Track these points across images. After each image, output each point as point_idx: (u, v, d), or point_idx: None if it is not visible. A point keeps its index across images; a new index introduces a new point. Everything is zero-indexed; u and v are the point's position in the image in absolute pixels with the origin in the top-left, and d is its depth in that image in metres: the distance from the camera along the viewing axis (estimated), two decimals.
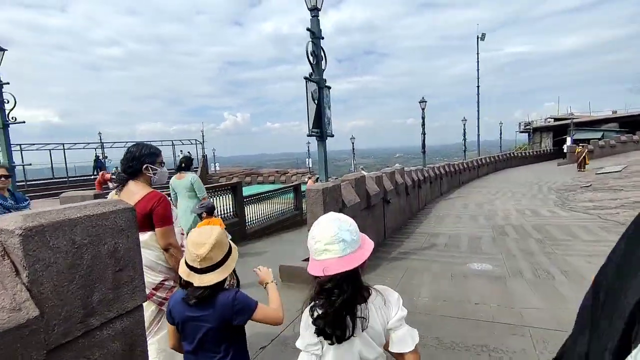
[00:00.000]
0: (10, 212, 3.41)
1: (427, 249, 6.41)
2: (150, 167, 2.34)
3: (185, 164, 5.27)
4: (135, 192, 2.24)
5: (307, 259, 4.59)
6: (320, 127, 4.46)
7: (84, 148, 27.32)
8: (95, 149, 27.06)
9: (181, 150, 28.19)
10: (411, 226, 8.83)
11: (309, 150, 33.85)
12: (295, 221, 10.44)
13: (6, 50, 5.63)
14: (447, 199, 14.24)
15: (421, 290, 4.30)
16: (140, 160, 2.30)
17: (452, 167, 18.28)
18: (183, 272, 1.53)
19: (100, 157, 26.24)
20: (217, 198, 7.79)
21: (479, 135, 26.83)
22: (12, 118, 5.76)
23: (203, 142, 32.27)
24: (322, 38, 4.49)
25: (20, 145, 22.99)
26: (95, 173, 25.78)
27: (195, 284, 1.49)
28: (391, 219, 7.62)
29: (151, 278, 2.20)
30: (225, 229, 3.09)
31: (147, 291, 2.10)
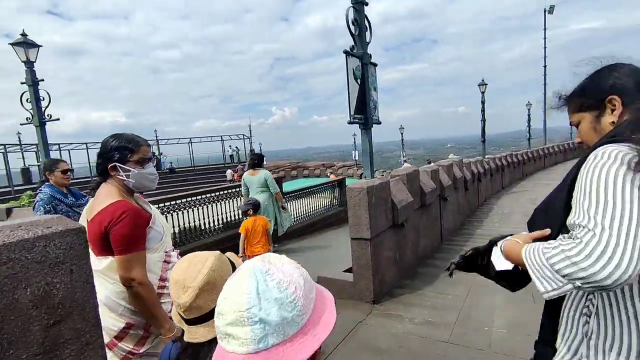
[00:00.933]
0: (73, 209, 3.28)
1: None
2: (120, 167, 1.69)
3: (258, 161, 5.80)
4: (99, 202, 1.65)
5: (350, 269, 3.79)
6: (364, 112, 3.68)
7: None
8: (152, 145, 28.35)
9: (230, 146, 28.71)
10: (470, 226, 7.72)
11: (355, 142, 32.68)
12: (339, 217, 9.76)
13: (41, 46, 5.46)
14: (510, 192, 12.67)
15: (494, 318, 3.38)
16: (107, 156, 1.70)
17: (514, 157, 16.41)
18: (175, 316, 1.05)
19: (156, 154, 27.44)
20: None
21: (545, 121, 23.99)
22: (48, 115, 5.61)
23: (250, 136, 32.66)
24: (366, 4, 3.68)
25: (86, 143, 24.72)
26: None
27: (185, 338, 1.00)
28: (448, 219, 6.63)
29: (111, 322, 1.61)
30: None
31: (107, 339, 1.52)
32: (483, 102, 17.15)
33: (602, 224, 0.77)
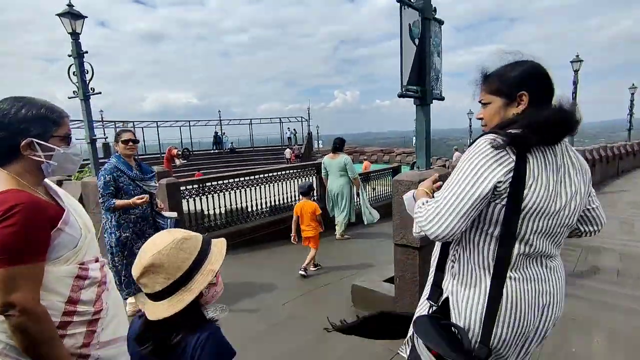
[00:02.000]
0: (136, 183, 3.12)
1: (586, 277, 4.15)
2: (38, 144, 1.16)
3: (339, 145, 5.71)
4: None
5: (390, 279, 2.96)
6: (421, 82, 2.82)
7: (205, 125, 30.16)
8: (215, 125, 29.37)
9: (288, 128, 28.70)
10: None
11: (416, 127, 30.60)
12: (390, 210, 8.87)
13: (86, 17, 5.30)
14: (602, 193, 10.63)
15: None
16: (14, 129, 1.13)
17: (608, 150, 13.86)
18: None
19: (219, 133, 28.39)
20: (304, 179, 6.77)
21: None
22: (91, 89, 5.46)
23: (309, 119, 32.41)
24: None
25: (157, 122, 26.36)
26: (214, 148, 28.31)
27: (147, 315, 0.98)
28: None
29: None
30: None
31: None
32: (575, 83, 14.34)
33: (439, 197, 1.10)
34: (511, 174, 1.02)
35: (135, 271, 0.96)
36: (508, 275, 1.08)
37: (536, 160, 1.05)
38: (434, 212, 1.08)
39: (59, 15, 5.22)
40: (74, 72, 5.40)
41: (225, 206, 5.91)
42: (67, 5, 5.14)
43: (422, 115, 2.96)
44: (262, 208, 6.39)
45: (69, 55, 5.44)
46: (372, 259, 4.86)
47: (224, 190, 5.87)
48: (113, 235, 3.11)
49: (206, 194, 5.65)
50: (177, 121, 28.25)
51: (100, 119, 24.90)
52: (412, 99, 2.92)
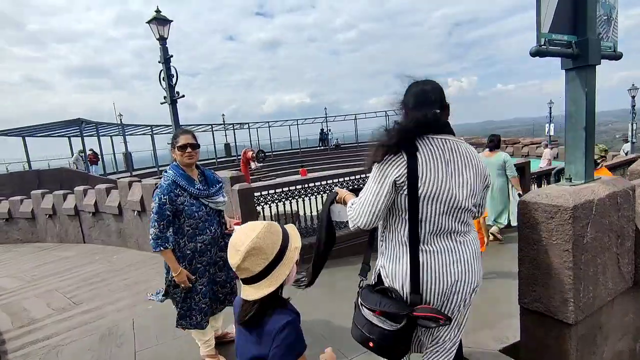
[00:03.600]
0: (200, 201, 2.39)
1: None
2: None
3: (497, 142, 5.35)
4: None
5: (513, 349, 1.91)
6: (579, 27, 1.56)
7: (312, 123, 30.84)
8: (321, 122, 29.78)
9: (395, 121, 27.12)
10: None
11: (550, 112, 24.84)
12: None
13: (171, 21, 5.26)
14: None
15: None
16: None
17: None
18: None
19: (325, 130, 28.68)
20: None
21: None
22: (177, 93, 5.38)
23: None
24: None
25: (211, 125, 27.97)
26: (320, 145, 28.75)
27: (241, 296, 1.14)
28: None
29: None
30: None
31: None
32: None
33: (361, 196, 1.45)
34: (405, 170, 1.32)
35: (236, 258, 1.07)
36: (420, 248, 1.37)
37: (425, 158, 1.33)
38: (359, 208, 1.44)
39: (148, 22, 5.23)
40: (163, 78, 5.39)
41: (310, 211, 5.28)
42: (155, 11, 5.12)
43: (578, 87, 1.66)
44: None
45: (159, 62, 5.43)
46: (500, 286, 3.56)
47: (308, 195, 5.23)
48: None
49: (286, 198, 5.08)
50: (286, 120, 29.51)
51: (222, 122, 27.57)
52: (558, 59, 1.66)
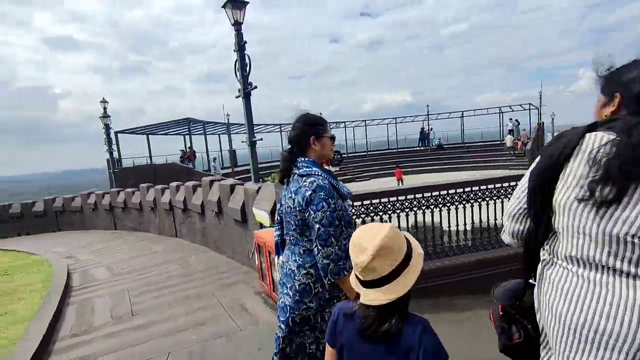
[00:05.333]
0: (345, 205, 1.78)
1: None
2: None
3: None
4: None
5: None
6: None
7: (412, 121, 28.89)
8: (422, 121, 27.70)
9: (510, 119, 23.58)
10: None
11: None
12: None
13: (247, 2, 4.75)
14: None
15: None
16: None
17: None
18: (352, 279, 1.12)
19: (425, 129, 26.51)
20: None
21: None
22: (249, 84, 4.82)
23: (540, 106, 25.74)
24: None
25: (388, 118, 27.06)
26: (419, 145, 26.68)
27: (361, 300, 1.06)
28: None
29: None
30: None
31: None
32: None
33: None
34: None
35: (364, 257, 1.00)
36: None
37: None
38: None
39: (223, 6, 4.79)
40: (237, 69, 4.88)
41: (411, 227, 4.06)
42: None
43: None
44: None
45: (234, 50, 4.94)
46: None
47: (405, 209, 3.82)
48: (334, 300, 1.72)
49: (378, 213, 3.84)
50: (384, 119, 28.21)
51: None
52: None
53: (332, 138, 1.84)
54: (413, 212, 3.75)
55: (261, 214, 4.25)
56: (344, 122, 27.60)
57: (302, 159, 1.74)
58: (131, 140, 19.00)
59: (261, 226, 4.32)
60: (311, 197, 1.62)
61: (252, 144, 5.05)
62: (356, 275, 1.07)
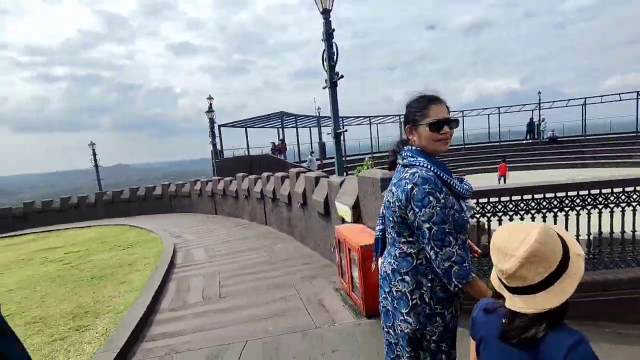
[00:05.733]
0: (461, 205, 1.50)
1: None
2: None
3: None
4: None
5: None
6: None
7: (519, 111, 25.68)
8: (532, 110, 24.51)
9: None
10: None
11: None
12: None
13: None
14: None
15: None
16: None
17: None
18: (494, 278, 1.02)
19: (535, 120, 23.33)
20: None
21: None
22: (336, 74, 4.73)
23: None
24: None
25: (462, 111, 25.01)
26: (527, 138, 23.56)
27: (506, 305, 0.95)
28: None
29: None
30: None
31: None
32: None
33: None
34: None
35: (509, 264, 0.90)
36: None
37: None
38: None
39: None
40: (325, 59, 4.78)
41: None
42: None
43: None
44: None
45: (322, 40, 4.84)
46: None
47: (552, 209, 3.20)
48: (436, 318, 1.45)
49: (496, 214, 3.20)
50: (484, 108, 25.68)
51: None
52: None
53: (437, 124, 1.43)
54: (541, 214, 3.18)
55: (343, 208, 4.09)
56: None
57: (409, 147, 1.51)
58: (232, 133, 20.79)
59: (343, 221, 4.18)
60: (413, 192, 1.37)
61: (337, 136, 4.91)
62: (499, 277, 0.97)
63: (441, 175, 1.42)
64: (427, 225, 1.35)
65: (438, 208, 1.35)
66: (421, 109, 1.48)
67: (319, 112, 23.05)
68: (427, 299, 1.42)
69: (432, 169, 1.42)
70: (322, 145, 21.48)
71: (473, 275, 1.35)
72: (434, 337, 1.46)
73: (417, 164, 1.44)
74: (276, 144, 18.62)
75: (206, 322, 3.37)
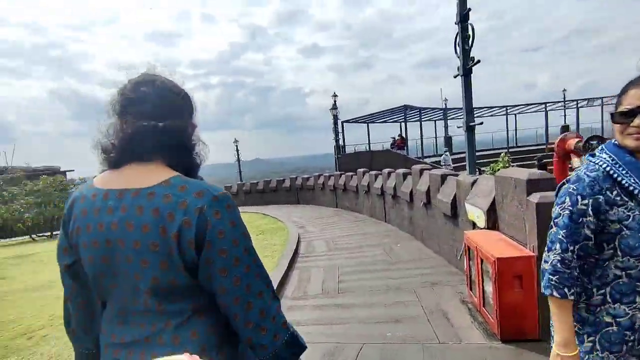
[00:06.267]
0: None
1: None
2: None
3: None
4: None
5: None
6: None
7: None
8: None
9: None
10: None
11: None
12: None
13: None
14: None
15: None
16: None
17: None
18: None
19: None
20: None
21: None
22: (470, 59, 4.37)
23: None
24: None
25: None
26: None
27: None
28: None
29: None
30: None
31: None
32: None
33: None
34: None
35: None
36: None
37: None
38: None
39: None
40: (458, 43, 4.35)
41: None
42: None
43: None
44: None
45: (455, 23, 4.42)
46: None
47: None
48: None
49: None
50: None
51: (562, 99, 22.31)
52: None
53: (623, 114, 1.11)
54: None
55: (475, 212, 3.61)
56: (600, 97, 21.16)
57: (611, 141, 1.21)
58: (354, 128, 21.11)
59: (474, 226, 3.69)
60: (560, 188, 1.24)
61: (470, 129, 4.37)
62: None
63: (619, 177, 1.11)
64: (551, 223, 1.24)
65: (567, 211, 1.17)
66: (624, 93, 1.14)
67: (445, 104, 21.49)
68: None
69: (604, 167, 1.14)
70: (448, 140, 19.97)
71: (555, 294, 1.15)
72: None
73: (591, 160, 1.21)
74: (396, 138, 18.12)
75: (324, 316, 3.42)
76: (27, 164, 21.84)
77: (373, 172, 9.28)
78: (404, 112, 16.59)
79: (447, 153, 15.68)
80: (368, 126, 19.11)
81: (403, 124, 18.97)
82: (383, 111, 17.70)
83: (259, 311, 0.82)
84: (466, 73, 4.31)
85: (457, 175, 4.88)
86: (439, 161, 15.95)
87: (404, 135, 18.72)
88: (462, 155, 18.15)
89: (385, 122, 20.15)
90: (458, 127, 5.95)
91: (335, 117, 17.72)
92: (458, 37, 4.28)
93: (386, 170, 8.32)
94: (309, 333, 3.07)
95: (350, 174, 11.32)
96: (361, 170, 10.43)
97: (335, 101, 17.79)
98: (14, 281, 6.04)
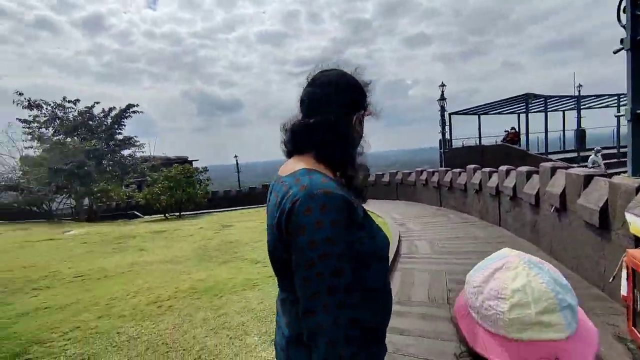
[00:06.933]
0: None
1: None
2: None
3: None
4: None
5: None
6: None
7: None
8: None
9: None
10: None
11: None
12: None
13: None
14: None
15: None
16: None
17: None
18: None
19: None
20: None
21: None
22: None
23: None
24: None
25: None
26: None
27: None
28: None
29: None
30: None
31: None
32: None
33: None
34: None
35: None
36: None
37: None
38: None
39: None
40: (624, 9, 3.51)
41: None
42: None
43: None
44: None
45: None
46: None
47: None
48: None
49: None
50: None
51: None
52: None
53: None
54: None
55: None
56: None
57: None
58: (463, 121, 19.40)
59: (637, 242, 2.87)
60: None
61: (637, 118, 3.44)
62: None
63: None
64: None
65: None
66: None
67: (579, 91, 18.20)
68: None
69: None
70: (580, 133, 16.86)
71: None
72: None
73: None
74: (509, 131, 15.97)
75: (431, 329, 3.07)
76: (164, 154, 25.89)
77: (487, 169, 8.28)
78: (525, 102, 14.45)
79: (599, 154, 11.39)
80: (479, 118, 17.30)
81: (523, 115, 16.61)
82: (499, 101, 15.73)
83: (315, 324, 0.80)
84: (635, 45, 3.41)
85: (607, 176, 3.92)
86: (566, 158, 13.54)
87: (516, 128, 16.42)
88: (610, 151, 15.11)
89: (500, 113, 17.96)
90: (615, 116, 4.83)
91: (443, 109, 16.50)
92: (624, 1, 3.40)
93: (504, 168, 7.31)
94: (412, 345, 2.79)
95: (458, 170, 10.35)
96: (471, 166, 9.42)
97: (442, 91, 16.56)
98: (151, 253, 7.08)
